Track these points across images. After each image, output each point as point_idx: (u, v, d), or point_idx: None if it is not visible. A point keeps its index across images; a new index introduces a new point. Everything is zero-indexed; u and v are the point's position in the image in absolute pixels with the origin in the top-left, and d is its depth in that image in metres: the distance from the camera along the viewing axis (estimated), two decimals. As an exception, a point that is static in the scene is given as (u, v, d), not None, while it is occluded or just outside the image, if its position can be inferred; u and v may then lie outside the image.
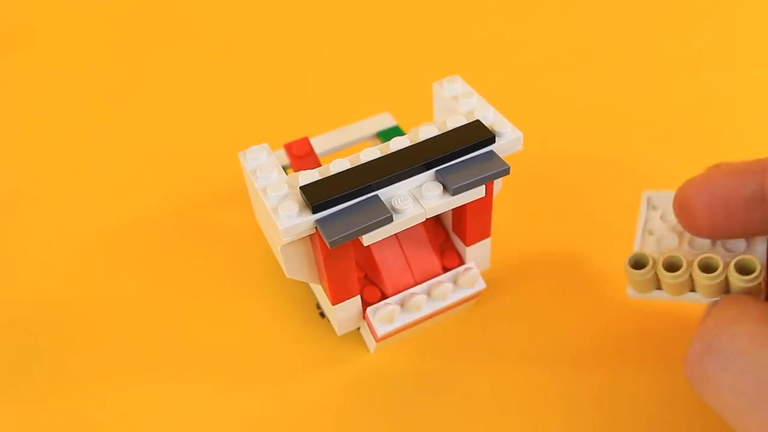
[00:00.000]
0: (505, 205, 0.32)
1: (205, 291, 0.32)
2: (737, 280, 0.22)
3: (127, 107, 0.43)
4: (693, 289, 0.24)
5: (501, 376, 0.28)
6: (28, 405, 0.28)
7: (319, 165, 0.30)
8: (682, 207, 0.23)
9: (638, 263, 0.24)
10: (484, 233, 0.28)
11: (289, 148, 0.30)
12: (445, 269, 0.28)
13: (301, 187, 0.23)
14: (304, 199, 0.22)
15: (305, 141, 0.30)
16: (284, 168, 0.31)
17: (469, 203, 0.24)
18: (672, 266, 0.24)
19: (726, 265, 0.22)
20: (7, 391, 0.28)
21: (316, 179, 0.23)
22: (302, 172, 0.23)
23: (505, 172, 0.24)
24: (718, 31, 0.45)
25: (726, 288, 0.23)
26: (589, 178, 0.35)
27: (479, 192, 0.24)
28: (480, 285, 0.28)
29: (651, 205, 0.26)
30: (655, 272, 0.24)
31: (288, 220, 0.22)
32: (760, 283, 0.22)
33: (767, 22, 0.45)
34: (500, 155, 0.24)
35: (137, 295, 0.32)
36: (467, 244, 0.28)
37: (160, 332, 0.30)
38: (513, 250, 0.32)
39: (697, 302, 0.24)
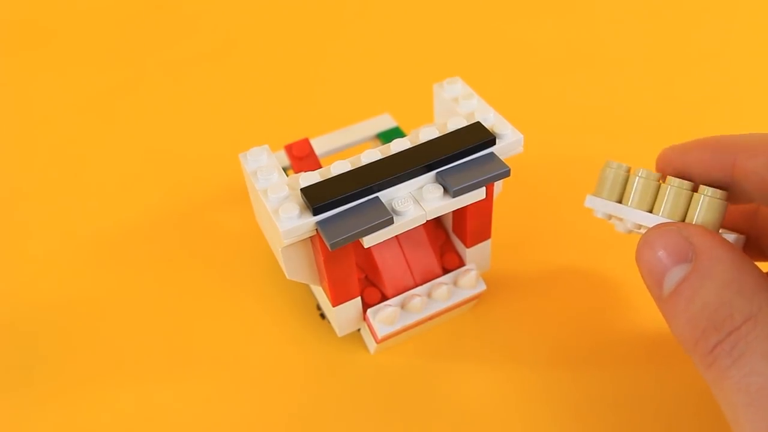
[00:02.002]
0: (505, 207, 0.32)
1: (205, 292, 0.32)
2: (704, 192, 0.22)
3: (127, 107, 0.43)
4: (651, 210, 0.23)
5: (501, 377, 0.28)
6: (28, 406, 0.28)
7: (320, 166, 0.30)
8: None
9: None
10: (485, 235, 0.28)
11: (289, 149, 0.30)
12: (446, 271, 0.28)
13: (301, 189, 0.23)
14: (304, 201, 0.22)
15: (306, 142, 0.30)
16: (285, 169, 0.31)
17: (469, 205, 0.24)
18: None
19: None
20: (7, 392, 0.28)
21: (317, 181, 0.23)
22: (303, 174, 0.23)
23: (506, 173, 0.24)
24: (718, 32, 0.45)
25: (686, 209, 0.22)
26: (589, 180, 0.35)
27: (480, 194, 0.24)
28: (480, 286, 0.28)
29: None
30: (628, 175, 0.23)
31: (289, 221, 0.22)
32: (722, 209, 0.22)
33: (767, 23, 0.45)
34: (501, 157, 0.24)
35: (138, 295, 0.32)
36: (468, 246, 0.28)
37: (160, 333, 0.30)
38: (513, 251, 0.32)
39: (646, 225, 0.23)
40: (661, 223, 0.22)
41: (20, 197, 0.37)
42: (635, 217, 0.23)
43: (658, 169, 0.25)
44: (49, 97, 0.45)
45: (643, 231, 0.23)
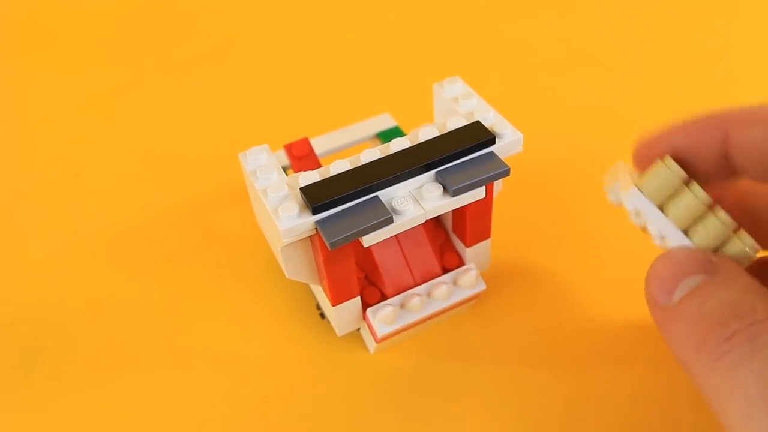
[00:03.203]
0: (505, 206, 0.32)
1: (205, 291, 0.32)
2: (741, 243, 0.21)
3: (127, 107, 0.43)
4: (687, 231, 0.22)
5: (501, 377, 0.28)
6: (28, 406, 0.28)
7: (320, 166, 0.30)
8: (638, 158, 0.23)
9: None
10: (485, 234, 0.28)
11: (289, 148, 0.30)
12: (445, 270, 0.28)
13: (301, 188, 0.23)
14: (304, 200, 0.22)
15: (305, 142, 0.30)
16: (284, 169, 0.31)
17: (469, 204, 0.24)
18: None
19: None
20: (7, 392, 0.28)
21: (317, 180, 0.23)
22: (302, 173, 0.23)
23: (506, 173, 0.24)
24: (719, 31, 0.45)
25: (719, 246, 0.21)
26: (589, 179, 0.35)
27: (479, 193, 0.24)
28: (480, 286, 0.28)
29: None
30: (684, 185, 0.22)
31: (288, 221, 0.22)
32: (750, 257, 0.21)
33: (767, 23, 0.45)
34: (500, 156, 0.24)
35: (137, 295, 0.32)
36: (467, 245, 0.28)
37: (160, 333, 0.30)
38: (513, 251, 0.32)
39: (672, 244, 0.22)
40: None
41: (20, 197, 0.38)
42: (668, 231, 0.22)
43: (636, 161, 0.23)
44: (49, 98, 0.45)
45: (664, 243, 0.22)
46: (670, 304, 0.20)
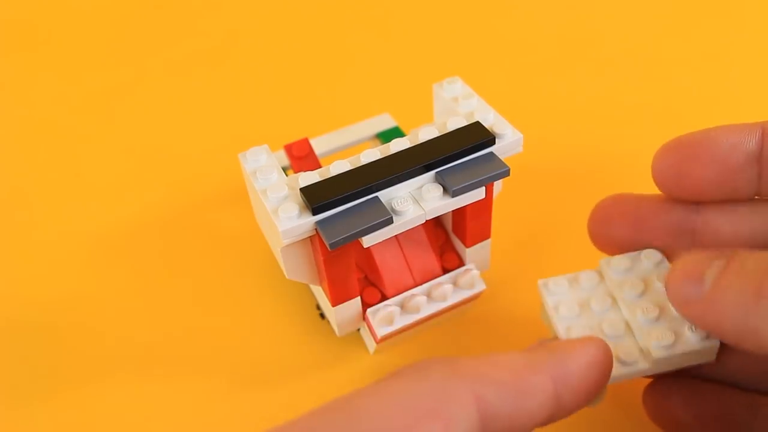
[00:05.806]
0: (505, 206, 0.32)
1: (204, 292, 0.32)
2: None
3: (127, 107, 0.43)
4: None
5: (501, 378, 0.27)
6: (28, 406, 0.28)
7: (319, 166, 0.30)
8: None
9: None
10: (484, 234, 0.28)
11: (289, 149, 0.30)
12: (445, 270, 0.28)
13: (301, 189, 0.23)
14: (304, 201, 0.22)
15: (305, 142, 0.30)
16: (284, 169, 0.31)
17: (469, 205, 0.24)
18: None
19: None
20: (7, 392, 0.28)
21: (316, 181, 0.23)
22: (302, 174, 0.23)
23: (505, 173, 0.24)
24: (719, 29, 0.45)
25: None
26: (589, 179, 0.35)
27: (479, 193, 0.24)
28: (480, 286, 0.28)
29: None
30: None
31: (288, 221, 0.22)
32: None
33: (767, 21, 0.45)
34: (500, 157, 0.24)
35: (137, 295, 0.32)
36: (467, 246, 0.28)
37: (160, 332, 0.30)
38: (513, 251, 0.32)
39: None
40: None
41: (20, 197, 0.38)
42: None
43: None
44: (49, 98, 0.45)
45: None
46: (704, 292, 0.20)
